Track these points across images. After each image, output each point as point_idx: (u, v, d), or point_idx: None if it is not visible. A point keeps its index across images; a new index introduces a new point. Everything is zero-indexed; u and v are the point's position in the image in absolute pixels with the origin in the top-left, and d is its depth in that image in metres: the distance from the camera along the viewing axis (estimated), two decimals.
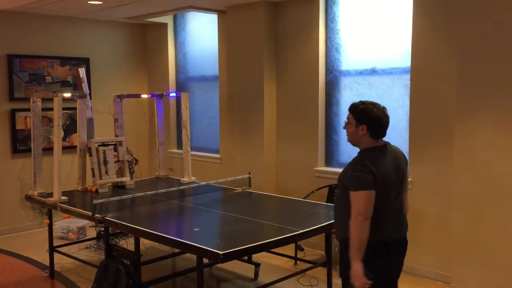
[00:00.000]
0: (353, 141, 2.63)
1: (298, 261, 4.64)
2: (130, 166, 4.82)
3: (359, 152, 2.63)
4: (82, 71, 4.74)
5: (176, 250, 4.49)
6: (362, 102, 2.58)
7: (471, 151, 3.80)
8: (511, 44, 3.56)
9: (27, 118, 5.78)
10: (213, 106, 6.21)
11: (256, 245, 3.04)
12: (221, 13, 5.75)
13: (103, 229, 4.35)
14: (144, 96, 5.63)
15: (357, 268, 2.43)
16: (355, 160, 2.58)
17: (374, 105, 2.56)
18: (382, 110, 2.56)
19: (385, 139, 2.66)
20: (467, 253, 3.88)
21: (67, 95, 4.53)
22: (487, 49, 3.68)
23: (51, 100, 4.25)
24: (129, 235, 4.92)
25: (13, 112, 5.80)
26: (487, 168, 3.72)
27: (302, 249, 4.89)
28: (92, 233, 5.47)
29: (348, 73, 4.94)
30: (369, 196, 2.45)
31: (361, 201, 2.44)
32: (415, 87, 4.32)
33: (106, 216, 3.65)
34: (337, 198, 2.71)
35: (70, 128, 6.13)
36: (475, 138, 3.78)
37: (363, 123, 2.52)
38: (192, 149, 5.68)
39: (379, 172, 2.48)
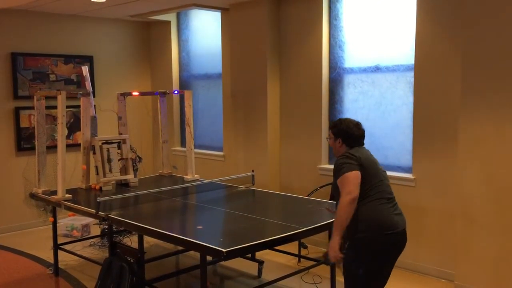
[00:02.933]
0: (336, 153, 3.02)
1: (301, 259, 4.64)
2: (134, 164, 4.83)
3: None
4: (85, 69, 4.75)
5: (180, 248, 4.49)
6: (338, 120, 3.07)
7: (475, 149, 3.79)
8: None
9: (31, 116, 5.79)
10: (216, 104, 6.22)
11: (260, 242, 3.04)
12: (224, 10, 5.75)
13: (107, 226, 4.36)
14: (139, 93, 5.59)
15: (335, 242, 2.72)
16: (339, 156, 2.94)
17: (345, 120, 3.03)
18: (355, 124, 2.99)
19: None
20: (471, 250, 3.87)
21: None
22: (491, 46, 3.66)
23: (55, 98, 4.26)
24: (133, 232, 4.93)
25: (17, 110, 5.82)
26: (491, 165, 3.71)
27: (305, 247, 4.89)
28: (96, 230, 5.49)
29: (351, 71, 4.93)
30: (354, 176, 2.75)
31: (346, 180, 2.74)
32: (419, 84, 4.31)
33: (110, 214, 3.66)
34: (334, 192, 2.93)
35: (74, 126, 6.14)
36: (479, 136, 3.76)
37: (338, 137, 2.98)
38: (196, 147, 5.69)
39: (362, 156, 2.85)
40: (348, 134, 2.94)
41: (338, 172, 2.80)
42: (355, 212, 2.72)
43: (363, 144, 2.99)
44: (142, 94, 5.60)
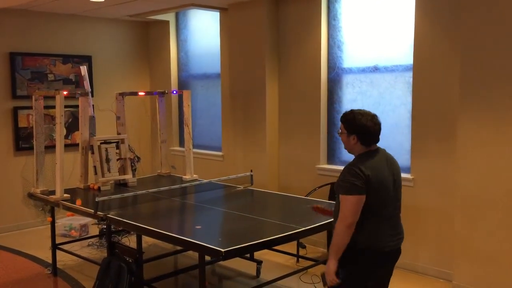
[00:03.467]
0: (347, 149, 2.73)
1: (300, 259, 4.65)
2: (132, 164, 4.83)
3: (354, 158, 2.70)
4: (83, 69, 4.74)
5: (178, 248, 4.49)
6: (351, 111, 2.67)
7: (473, 149, 3.80)
8: None
9: (30, 116, 5.79)
10: (215, 104, 6.21)
11: (258, 242, 3.04)
12: (223, 10, 5.75)
13: (105, 226, 4.36)
14: (142, 93, 5.61)
15: (331, 267, 2.58)
16: (349, 164, 2.63)
17: (363, 114, 2.64)
18: (371, 118, 2.63)
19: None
20: (469, 250, 3.87)
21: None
22: (490, 46, 3.67)
23: (53, 98, 4.25)
24: (131, 232, 4.93)
25: (15, 110, 5.81)
26: (489, 165, 3.72)
27: (304, 247, 4.89)
28: (94, 230, 5.48)
29: (350, 71, 4.94)
30: (357, 201, 2.51)
31: (349, 206, 2.52)
32: (417, 84, 4.31)
33: (108, 214, 3.66)
34: (336, 203, 2.72)
35: (72, 126, 6.13)
36: (478, 136, 3.77)
37: (353, 133, 2.63)
38: (194, 146, 5.68)
39: (373, 174, 2.55)
40: (364, 131, 2.60)
41: (342, 186, 2.56)
42: (352, 235, 2.54)
43: (379, 140, 2.68)
44: (145, 94, 5.61)
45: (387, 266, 2.76)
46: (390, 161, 2.73)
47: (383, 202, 2.60)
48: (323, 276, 2.66)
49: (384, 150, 2.75)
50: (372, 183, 2.53)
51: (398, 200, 2.72)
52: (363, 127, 2.60)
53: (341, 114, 2.72)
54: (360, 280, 2.68)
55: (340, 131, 2.71)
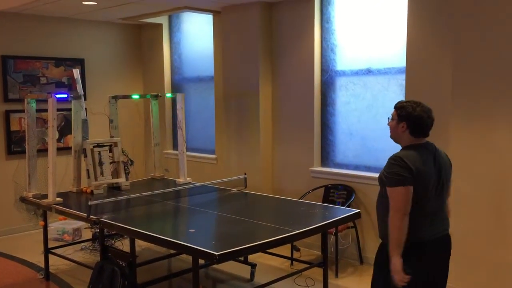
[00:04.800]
0: (394, 137, 2.71)
1: (294, 262, 4.64)
2: (126, 167, 4.81)
3: (400, 149, 2.68)
4: (76, 72, 4.72)
5: (172, 251, 4.48)
6: (407, 101, 2.68)
7: (465, 150, 3.81)
8: (506, 43, 3.57)
9: (22, 120, 5.75)
10: (208, 107, 6.21)
11: (252, 245, 3.04)
12: (216, 13, 5.74)
13: (98, 230, 4.33)
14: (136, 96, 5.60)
15: (396, 263, 2.51)
16: (393, 156, 2.61)
17: (418, 104, 2.63)
18: (426, 110, 2.62)
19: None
20: (463, 253, 3.88)
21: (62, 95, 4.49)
22: (482, 48, 3.69)
23: (46, 101, 4.23)
24: (125, 236, 4.91)
25: (7, 114, 5.78)
26: (483, 167, 3.73)
27: (298, 250, 4.89)
28: (87, 234, 5.45)
29: (343, 73, 4.95)
30: (407, 192, 2.50)
31: (399, 197, 2.50)
32: (410, 87, 4.32)
33: (101, 218, 3.64)
34: (378, 195, 2.71)
35: (65, 129, 6.10)
36: (469, 138, 3.78)
37: (403, 120, 2.61)
38: (188, 149, 5.67)
39: (416, 168, 2.53)
40: (418, 123, 2.60)
41: (389, 178, 2.55)
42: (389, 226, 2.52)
43: (428, 134, 2.66)
44: (141, 97, 5.60)
45: (436, 253, 2.68)
46: (440, 157, 2.69)
47: (426, 188, 2.56)
48: (391, 279, 2.55)
49: (433, 146, 2.71)
50: (416, 173, 2.52)
51: (442, 198, 2.69)
52: (415, 116, 2.59)
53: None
54: (422, 272, 2.61)
55: (390, 117, 2.70)
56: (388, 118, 2.74)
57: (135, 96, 5.40)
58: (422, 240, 2.60)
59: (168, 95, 5.75)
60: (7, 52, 5.75)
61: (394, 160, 2.56)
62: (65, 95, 4.54)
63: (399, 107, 2.66)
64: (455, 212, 3.91)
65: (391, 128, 2.70)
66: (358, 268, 4.67)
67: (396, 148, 2.71)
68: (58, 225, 5.54)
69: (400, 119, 2.63)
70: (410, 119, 2.59)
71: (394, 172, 2.52)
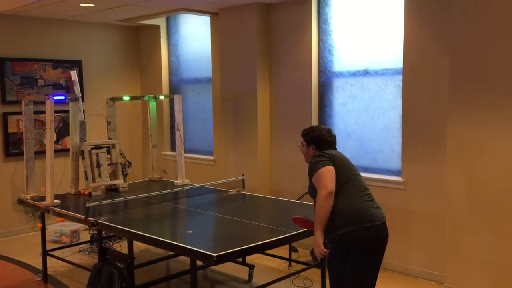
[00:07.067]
0: (308, 161, 3.03)
1: (292, 263, 4.64)
2: (124, 169, 4.81)
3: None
4: (74, 74, 4.72)
5: (170, 253, 4.48)
6: (309, 128, 3.13)
7: (463, 151, 3.82)
8: (502, 44, 3.59)
9: (20, 122, 5.75)
10: (206, 108, 6.21)
11: (250, 246, 3.04)
12: (213, 15, 5.75)
13: (96, 232, 4.33)
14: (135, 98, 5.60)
15: (318, 238, 2.79)
16: (313, 156, 2.98)
17: (320, 129, 3.09)
18: (327, 131, 3.07)
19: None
20: (461, 253, 3.89)
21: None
22: (478, 49, 3.70)
23: (43, 103, 4.23)
24: (123, 238, 4.91)
25: (5, 116, 5.77)
26: (480, 167, 3.74)
27: (296, 251, 4.89)
28: (85, 236, 5.45)
29: (340, 75, 4.96)
30: (328, 171, 2.80)
31: (323, 176, 2.78)
32: (407, 88, 4.34)
33: (99, 219, 3.64)
34: (310, 187, 2.96)
35: (62, 131, 6.10)
36: (468, 138, 3.80)
37: (311, 144, 3.05)
38: (186, 151, 5.68)
39: (332, 154, 2.92)
40: (321, 140, 3.02)
41: (312, 171, 2.87)
42: (333, 208, 2.75)
43: (335, 149, 3.07)
44: (132, 98, 5.59)
45: (372, 240, 2.83)
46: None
47: (350, 168, 2.92)
48: (312, 252, 2.76)
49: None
50: (335, 157, 2.89)
51: (363, 183, 2.95)
52: (319, 137, 3.03)
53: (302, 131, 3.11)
54: (350, 256, 2.81)
55: (301, 145, 3.11)
56: (299, 146, 3.14)
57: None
58: (367, 219, 2.78)
59: (166, 96, 5.75)
60: (4, 54, 5.75)
61: (312, 157, 2.95)
62: (63, 97, 4.54)
63: (304, 134, 3.09)
64: (455, 213, 3.93)
65: (303, 153, 3.11)
66: None
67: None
68: (56, 227, 5.54)
69: (308, 143, 3.06)
70: (315, 140, 3.03)
71: (316, 160, 2.88)
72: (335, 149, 3.06)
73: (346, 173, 2.87)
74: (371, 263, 2.86)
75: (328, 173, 2.78)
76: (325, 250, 2.79)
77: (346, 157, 3.01)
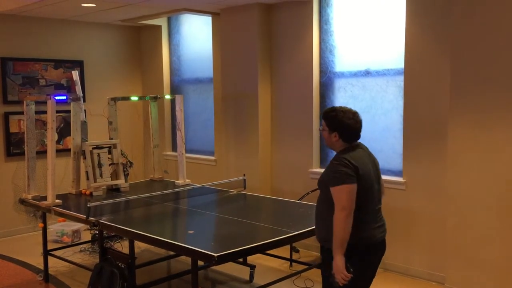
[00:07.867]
0: (328, 145, 2.76)
1: (293, 263, 4.64)
2: (125, 169, 4.81)
3: (336, 154, 2.71)
4: (75, 74, 4.73)
5: (171, 253, 4.48)
6: (333, 109, 2.71)
7: (464, 152, 3.82)
8: (503, 44, 3.59)
9: (21, 121, 5.75)
10: (207, 108, 6.21)
11: (251, 247, 3.04)
12: (215, 15, 5.75)
13: (97, 232, 4.34)
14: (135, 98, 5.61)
15: (339, 262, 2.51)
16: (336, 157, 2.65)
17: (345, 112, 2.67)
18: (353, 116, 2.67)
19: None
20: (462, 253, 3.89)
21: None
22: (480, 49, 3.70)
23: (45, 103, 4.24)
24: (124, 238, 4.91)
25: (6, 116, 5.78)
26: (481, 168, 3.74)
27: (297, 251, 4.89)
28: (86, 236, 5.45)
29: (342, 75, 4.96)
30: (351, 190, 2.51)
31: (344, 195, 2.50)
32: (408, 88, 4.34)
33: (101, 219, 3.64)
34: (318, 199, 2.74)
35: (64, 131, 6.11)
36: (469, 139, 3.79)
37: (335, 131, 2.65)
38: (187, 151, 5.68)
39: (359, 165, 2.57)
40: (346, 127, 2.64)
41: (333, 178, 2.55)
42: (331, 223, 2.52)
43: (360, 137, 2.73)
44: (140, 98, 5.59)
45: (377, 256, 2.74)
46: (371, 155, 2.77)
47: (370, 195, 2.62)
48: (332, 277, 2.57)
49: (364, 145, 2.78)
50: (360, 172, 2.55)
51: (380, 194, 2.75)
52: (344, 124, 2.64)
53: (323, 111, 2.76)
54: (362, 273, 2.64)
55: (321, 127, 2.73)
56: (319, 129, 2.79)
57: (134, 98, 5.37)
58: (365, 241, 2.61)
59: (167, 96, 5.76)
60: (6, 54, 5.75)
61: (338, 161, 2.58)
62: (64, 97, 4.54)
63: (325, 117, 2.69)
64: (456, 213, 3.92)
65: (324, 137, 2.74)
66: None
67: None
68: (58, 227, 5.54)
69: (331, 129, 2.66)
70: (338, 127, 2.64)
71: (339, 171, 2.53)
72: (359, 137, 2.71)
73: (363, 193, 2.56)
74: (367, 274, 2.74)
75: (350, 193, 2.50)
76: (348, 274, 2.51)
77: (369, 163, 2.66)
